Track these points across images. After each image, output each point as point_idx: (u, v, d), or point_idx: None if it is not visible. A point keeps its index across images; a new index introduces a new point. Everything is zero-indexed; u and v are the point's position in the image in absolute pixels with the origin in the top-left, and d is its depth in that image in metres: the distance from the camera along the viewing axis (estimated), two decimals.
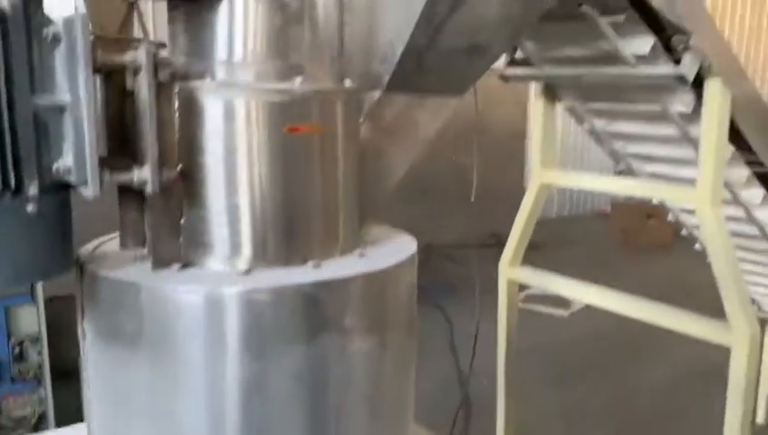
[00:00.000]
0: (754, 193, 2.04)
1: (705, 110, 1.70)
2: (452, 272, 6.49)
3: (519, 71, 1.97)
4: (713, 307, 1.84)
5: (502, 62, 2.00)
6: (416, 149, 1.38)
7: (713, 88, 1.68)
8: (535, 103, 2.12)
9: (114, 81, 1.08)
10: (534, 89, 2.12)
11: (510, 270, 2.33)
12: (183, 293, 1.05)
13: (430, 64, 1.29)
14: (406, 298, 1.25)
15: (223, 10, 1.10)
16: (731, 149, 1.90)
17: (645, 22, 1.59)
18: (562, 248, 7.72)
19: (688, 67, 1.58)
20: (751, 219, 2.17)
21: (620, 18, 1.56)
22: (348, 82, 1.22)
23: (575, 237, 8.87)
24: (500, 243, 6.26)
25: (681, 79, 1.59)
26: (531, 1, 1.29)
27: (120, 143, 1.10)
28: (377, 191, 1.36)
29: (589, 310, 5.34)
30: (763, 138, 1.84)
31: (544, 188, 2.21)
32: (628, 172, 2.29)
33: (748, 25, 9.63)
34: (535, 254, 7.29)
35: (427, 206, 7.41)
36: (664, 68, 1.62)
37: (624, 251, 8.23)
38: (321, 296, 1.07)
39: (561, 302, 5.58)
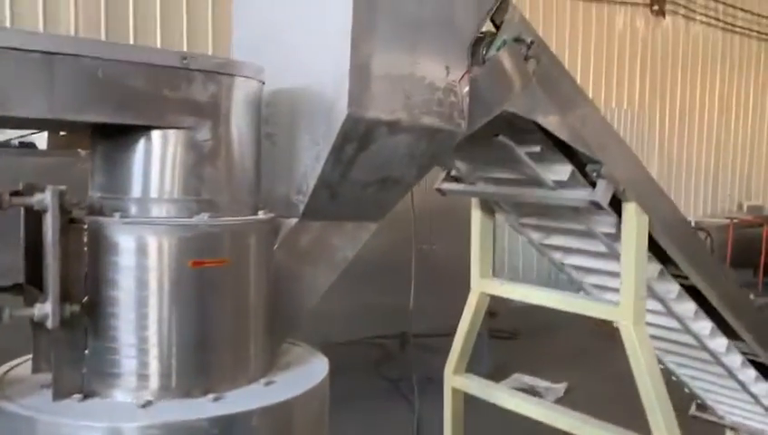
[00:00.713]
0: (687, 307, 2.09)
1: (623, 232, 1.78)
2: (429, 362, 6.42)
3: (454, 186, 2.06)
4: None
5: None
6: (334, 271, 1.43)
7: (629, 212, 1.76)
8: (473, 216, 2.20)
9: (33, 216, 1.13)
10: (473, 201, 2.20)
11: (454, 379, 2.34)
12: (79, 427, 1.06)
13: (343, 196, 1.36)
14: (313, 426, 1.26)
15: (138, 149, 1.16)
16: (658, 266, 1.97)
17: (561, 151, 1.68)
18: (539, 337, 7.68)
19: (602, 193, 1.66)
20: (687, 330, 2.21)
21: (536, 148, 1.66)
22: (262, 213, 1.28)
23: (553, 325, 8.86)
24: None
25: (597, 204, 1.67)
26: (439, 139, 1.38)
27: (37, 274, 1.14)
28: (295, 313, 1.39)
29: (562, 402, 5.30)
30: (684, 254, 1.91)
31: (483, 298, 2.25)
32: (571, 282, 2.35)
33: None
34: (511, 344, 7.22)
35: (401, 293, 7.41)
36: (582, 193, 1.70)
37: (600, 340, 8.21)
38: (216, 432, 1.08)
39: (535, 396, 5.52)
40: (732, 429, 3.16)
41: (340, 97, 1.24)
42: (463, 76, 1.39)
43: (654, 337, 2.47)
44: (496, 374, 5.94)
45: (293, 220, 1.36)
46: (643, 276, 1.79)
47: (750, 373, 2.38)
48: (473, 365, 5.85)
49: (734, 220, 9.99)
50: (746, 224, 10.20)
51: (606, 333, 8.76)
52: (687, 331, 2.21)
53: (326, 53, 1.29)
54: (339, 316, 4.88)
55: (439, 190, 2.09)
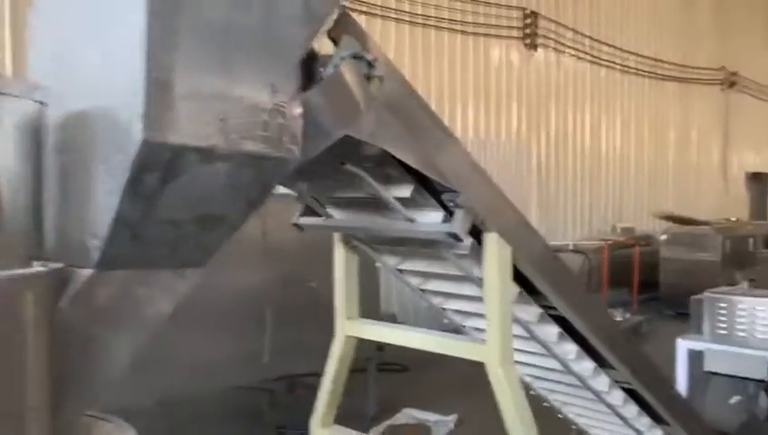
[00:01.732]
0: (549, 331, 2.00)
1: (485, 266, 1.66)
2: (313, 404, 6.15)
3: (312, 221, 1.87)
4: None
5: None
6: (145, 329, 1.19)
7: (490, 243, 1.64)
8: (336, 252, 2.02)
9: None
10: (335, 237, 2.02)
11: (321, 431, 2.12)
12: None
13: (150, 238, 1.13)
14: None
15: None
16: (530, 301, 1.87)
17: (415, 181, 1.54)
18: (430, 369, 7.61)
19: (459, 224, 1.53)
20: (554, 356, 2.13)
21: (391, 177, 1.51)
22: (39, 265, 1.03)
23: (445, 356, 8.84)
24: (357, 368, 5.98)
25: (454, 235, 1.53)
26: (268, 167, 1.19)
27: None
28: (92, 381, 1.14)
29: None
30: (551, 285, 1.82)
31: (350, 340, 2.07)
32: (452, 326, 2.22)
33: None
34: (401, 377, 7.06)
35: (289, 333, 7.12)
36: (440, 225, 1.57)
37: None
38: None
39: (423, 431, 5.38)
40: None
41: (134, 119, 1.02)
42: (293, 97, 1.21)
43: (524, 363, 2.38)
44: (384, 410, 5.76)
45: (88, 271, 1.11)
46: (508, 311, 1.67)
47: (618, 395, 2.34)
48: (359, 403, 5.70)
49: (609, 242, 10.48)
50: (620, 245, 10.73)
51: None
52: (554, 356, 2.13)
53: (120, 69, 1.07)
54: (222, 362, 4.54)
55: (296, 226, 1.90)
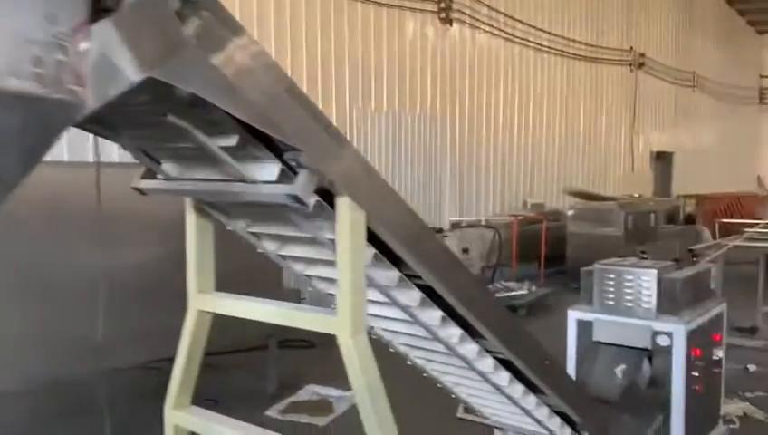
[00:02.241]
0: (411, 296, 1.90)
1: (337, 232, 1.53)
2: (213, 383, 5.95)
3: (155, 184, 1.69)
4: None
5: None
6: None
7: (342, 208, 1.51)
8: (187, 220, 1.84)
9: None
10: (186, 202, 1.84)
11: (176, 414, 1.96)
12: None
13: None
14: None
15: None
16: (396, 274, 1.77)
17: (257, 138, 1.39)
18: (336, 347, 7.53)
19: (302, 186, 1.39)
20: (436, 337, 2.05)
21: (220, 131, 1.35)
22: None
23: None
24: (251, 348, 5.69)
25: (297, 198, 1.40)
26: (45, 112, 1.00)
27: None
28: None
29: (347, 416, 5.14)
30: (413, 253, 1.72)
31: (204, 315, 1.91)
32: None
33: None
34: (307, 353, 6.96)
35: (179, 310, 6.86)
36: (282, 187, 1.43)
37: None
38: None
39: (325, 406, 5.30)
40: (499, 429, 3.13)
41: None
42: (78, 29, 1.02)
43: (410, 346, 2.30)
44: (287, 387, 5.64)
45: None
46: (360, 281, 1.56)
47: (503, 375, 2.29)
48: (259, 381, 5.55)
49: (519, 217, 10.69)
50: (529, 220, 10.97)
51: None
52: (437, 338, 2.05)
53: None
54: (114, 340, 4.26)
55: (137, 189, 1.70)
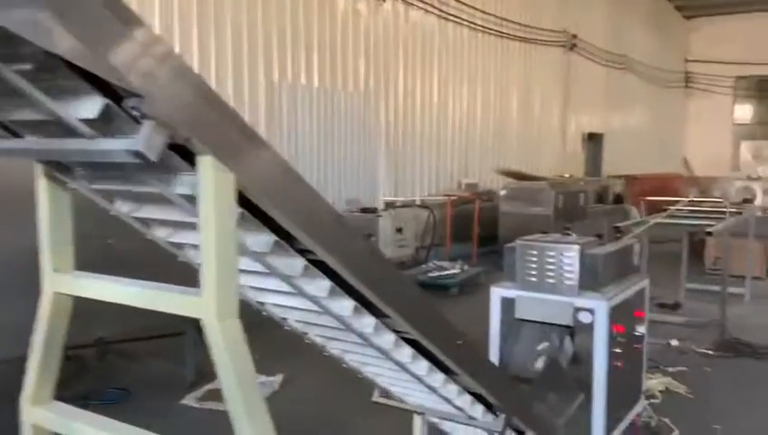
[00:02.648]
0: (321, 285, 1.71)
1: (200, 199, 1.31)
2: (128, 371, 5.63)
3: None
4: None
5: None
6: None
7: (204, 169, 1.29)
8: (39, 187, 1.58)
9: None
10: (36, 167, 1.57)
11: (34, 412, 1.71)
12: None
13: None
14: None
15: None
16: (302, 262, 1.57)
17: (88, 81, 1.15)
18: (262, 329, 7.28)
19: (145, 141, 1.16)
20: (328, 312, 1.85)
21: (27, 66, 1.11)
22: None
23: None
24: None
25: (143, 156, 1.16)
26: None
27: None
28: None
29: (270, 401, 4.88)
30: (297, 222, 1.51)
31: (61, 299, 1.65)
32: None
33: None
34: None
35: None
36: (124, 141, 1.19)
37: None
38: None
39: None
40: (416, 411, 2.99)
41: None
42: None
43: (283, 307, 2.10)
44: (206, 374, 5.37)
45: None
46: (230, 255, 1.34)
47: (406, 352, 2.13)
48: (178, 368, 5.26)
49: (452, 197, 10.64)
50: (463, 200, 10.94)
51: None
52: (328, 313, 1.86)
53: None
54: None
55: None
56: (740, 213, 7.70)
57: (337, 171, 9.87)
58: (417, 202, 10.86)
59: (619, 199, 13.67)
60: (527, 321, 3.83)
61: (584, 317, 3.67)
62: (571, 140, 16.83)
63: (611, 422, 3.83)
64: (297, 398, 4.96)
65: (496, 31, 13.55)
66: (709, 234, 6.41)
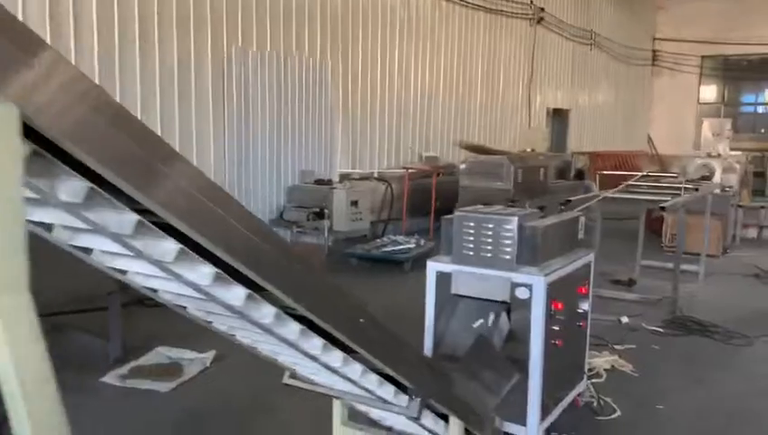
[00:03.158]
0: (166, 248, 1.43)
1: None
2: (48, 346, 5.31)
3: None
4: None
5: None
6: None
7: None
8: None
9: None
10: None
11: None
12: None
13: None
14: None
15: None
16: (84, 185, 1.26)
17: None
18: None
19: None
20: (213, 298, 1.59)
21: None
22: None
23: None
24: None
25: None
26: None
27: None
28: None
29: (198, 380, 4.67)
30: (116, 166, 1.21)
31: None
32: None
33: None
34: (156, 312, 6.45)
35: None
36: None
37: None
38: None
39: (173, 370, 4.78)
40: (331, 395, 2.75)
41: None
42: None
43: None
44: (134, 350, 5.09)
45: None
46: (16, 212, 1.06)
47: (293, 328, 1.88)
48: (103, 344, 4.95)
49: (410, 170, 10.39)
50: (422, 174, 10.70)
51: None
52: (214, 299, 1.60)
53: None
54: None
55: None
56: (696, 189, 7.59)
57: (291, 142, 9.53)
58: (375, 175, 10.60)
59: (580, 175, 13.58)
60: (463, 297, 3.62)
61: (521, 293, 3.47)
62: (535, 115, 16.66)
63: (549, 403, 3.66)
64: (228, 374, 4.71)
65: (461, 0, 13.22)
66: (663, 209, 6.27)
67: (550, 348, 3.53)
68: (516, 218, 3.48)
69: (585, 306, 4.06)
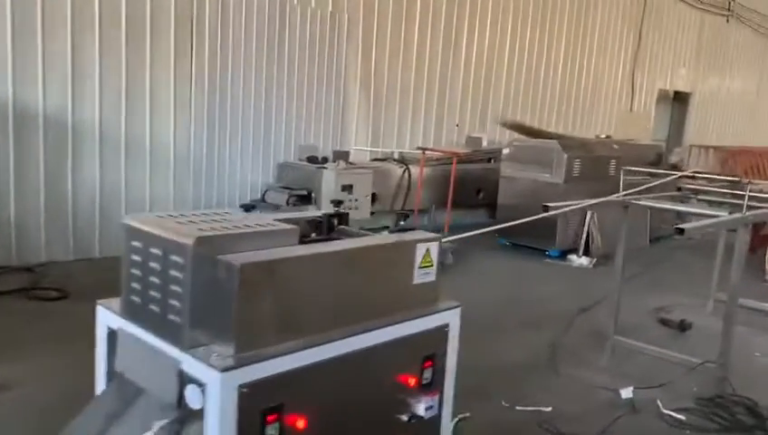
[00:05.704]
0: None
1: None
2: None
3: None
4: None
5: None
6: None
7: None
8: None
9: None
10: None
11: None
12: None
13: None
14: None
15: None
16: None
17: None
18: (97, 295, 5.66)
19: None
20: None
21: None
22: None
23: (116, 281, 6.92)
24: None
25: None
26: None
27: None
28: None
29: None
30: None
31: None
32: None
33: None
34: (59, 306, 5.26)
35: None
36: None
37: None
38: None
39: None
40: None
41: None
42: None
43: None
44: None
45: None
46: None
47: None
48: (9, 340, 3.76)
49: (426, 154, 8.48)
50: (448, 157, 8.73)
51: None
52: None
53: None
54: None
55: None
56: None
57: (286, 109, 7.99)
58: (396, 156, 8.83)
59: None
60: (131, 382, 1.93)
61: (192, 396, 1.71)
62: (641, 97, 13.89)
63: None
64: None
65: None
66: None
67: None
68: (192, 241, 1.71)
69: (421, 408, 2.19)
